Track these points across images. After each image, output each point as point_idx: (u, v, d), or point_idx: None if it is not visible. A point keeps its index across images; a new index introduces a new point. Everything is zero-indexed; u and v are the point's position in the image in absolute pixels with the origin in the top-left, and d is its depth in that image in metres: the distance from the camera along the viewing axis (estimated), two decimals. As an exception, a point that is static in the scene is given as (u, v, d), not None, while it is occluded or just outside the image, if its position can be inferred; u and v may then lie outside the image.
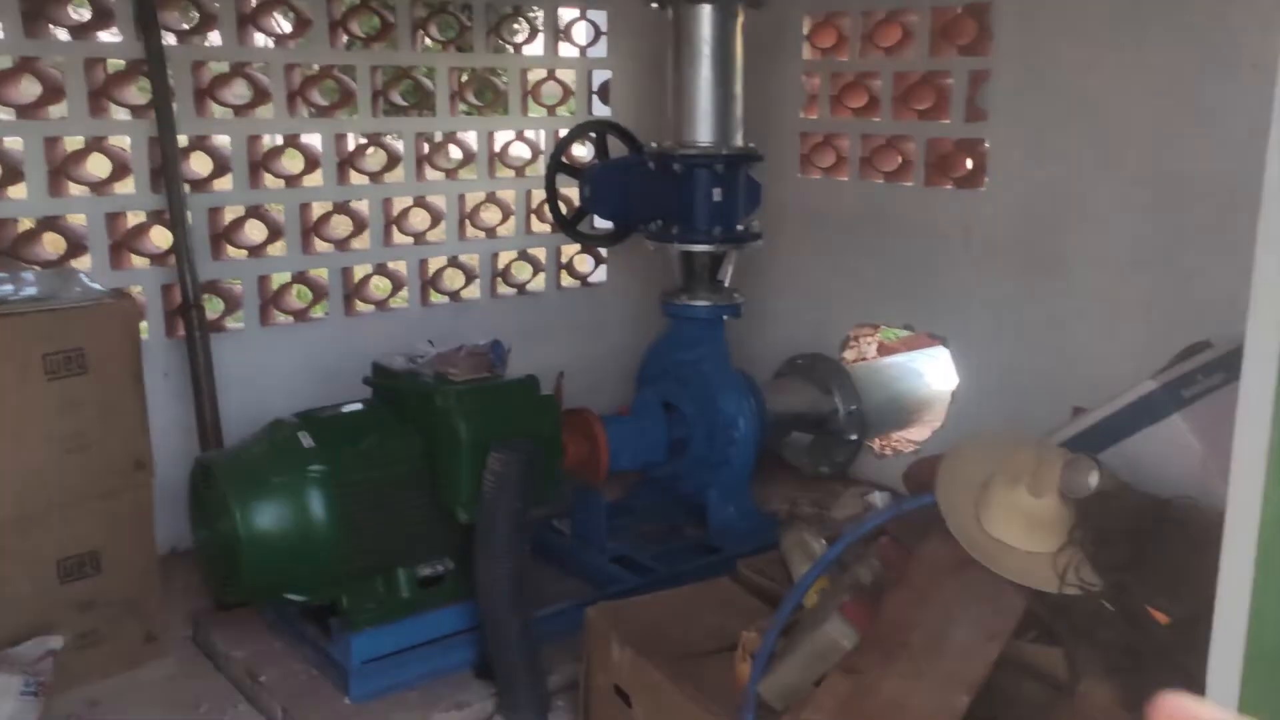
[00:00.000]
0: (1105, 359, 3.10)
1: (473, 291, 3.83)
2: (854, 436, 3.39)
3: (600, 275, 4.12)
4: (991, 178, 3.38)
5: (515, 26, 3.87)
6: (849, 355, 3.90)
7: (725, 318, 3.13)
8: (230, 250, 3.32)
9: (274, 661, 2.56)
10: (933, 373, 3.74)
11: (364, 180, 3.53)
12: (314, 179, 3.43)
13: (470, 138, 3.75)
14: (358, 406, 2.58)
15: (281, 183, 3.36)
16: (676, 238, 3.04)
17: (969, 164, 3.49)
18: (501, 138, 3.86)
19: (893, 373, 3.70)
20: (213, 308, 3.37)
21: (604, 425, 2.92)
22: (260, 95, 3.25)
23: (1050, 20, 3.16)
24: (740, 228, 3.09)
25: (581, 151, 4.01)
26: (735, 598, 2.35)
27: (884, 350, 4.09)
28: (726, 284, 3.17)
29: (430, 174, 3.67)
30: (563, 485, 2.62)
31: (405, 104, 3.62)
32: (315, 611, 2.58)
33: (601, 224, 3.57)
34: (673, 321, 3.19)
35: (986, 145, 3.40)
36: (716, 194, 2.98)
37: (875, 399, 3.50)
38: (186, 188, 3.09)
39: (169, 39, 3.04)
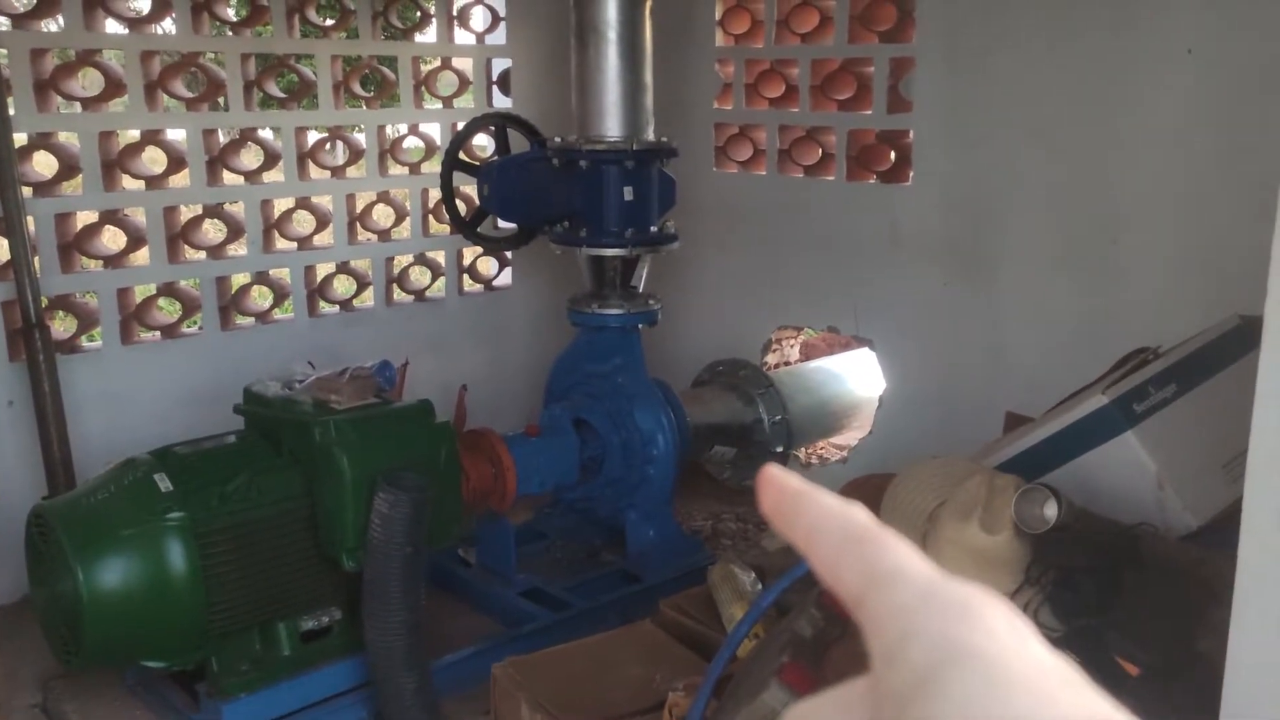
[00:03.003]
0: (1037, 361, 2.97)
1: (366, 300, 3.53)
2: (780, 448, 3.19)
3: (506, 279, 3.84)
4: (917, 171, 3.21)
5: (405, 10, 3.55)
6: (771, 359, 3.70)
7: (640, 326, 2.89)
8: (83, 260, 2.95)
9: (134, 735, 2.25)
10: (858, 376, 3.56)
11: (238, 180, 3.19)
12: (180, 179, 3.09)
13: (358, 132, 3.44)
14: (226, 440, 2.27)
15: (141, 184, 3.01)
16: (585, 241, 2.78)
17: (892, 156, 3.31)
18: (393, 132, 3.55)
19: (818, 378, 3.51)
20: (66, 326, 3.02)
21: (509, 447, 2.65)
22: (113, 87, 2.89)
23: (974, 4, 2.99)
24: (654, 229, 2.85)
25: (484, 143, 3.74)
26: (659, 644, 2.11)
27: (807, 349, 3.90)
28: (640, 289, 2.93)
29: (314, 172, 3.35)
30: (461, 522, 2.35)
31: (283, 95, 3.29)
32: (184, 671, 2.27)
33: (506, 224, 3.30)
34: (582, 331, 2.93)
35: (911, 137, 3.22)
36: (628, 193, 2.73)
37: (801, 406, 3.30)
38: (27, 191, 2.73)
39: (1, 22, 2.67)
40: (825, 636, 1.63)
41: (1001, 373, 3.07)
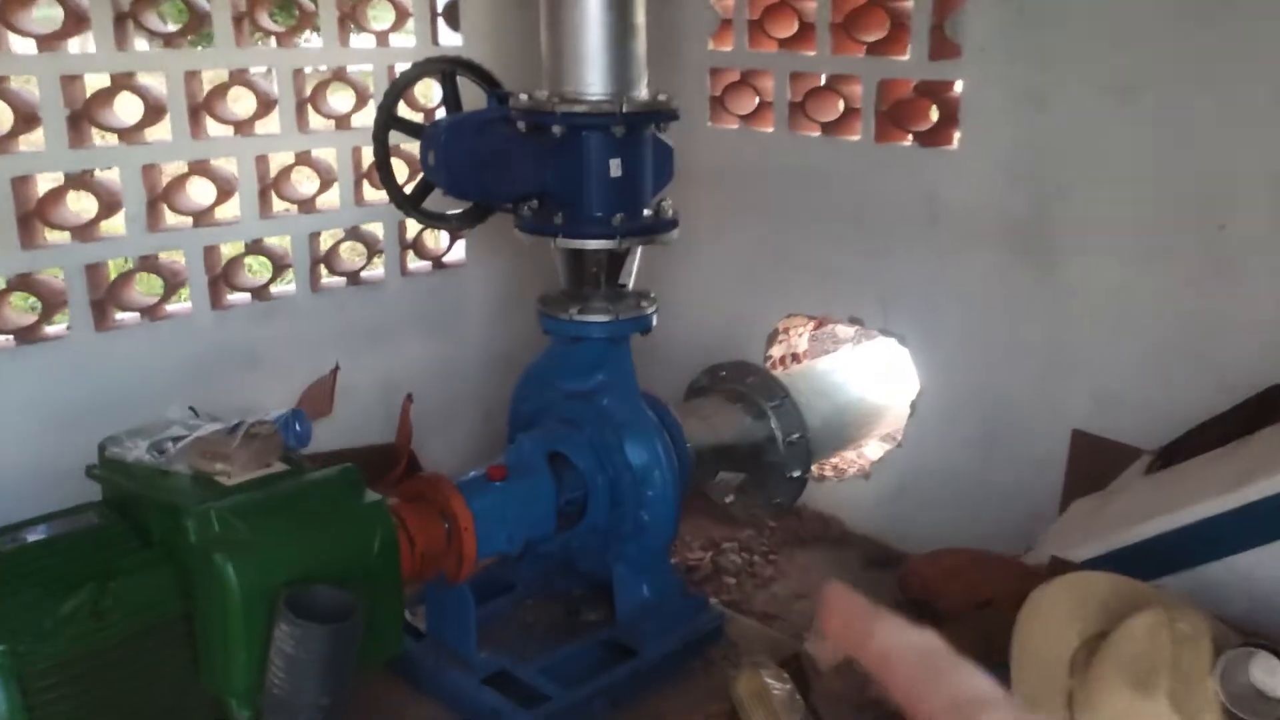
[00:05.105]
0: (1114, 370, 2.46)
1: (286, 286, 2.88)
2: (798, 473, 2.62)
3: (458, 254, 3.20)
4: (965, 133, 2.62)
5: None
6: (775, 352, 3.12)
7: (631, 335, 2.29)
8: (-96, 249, 2.27)
9: None
10: (878, 377, 2.99)
11: (111, 140, 2.51)
12: (34, 139, 2.41)
13: (269, 77, 2.75)
14: (71, 525, 1.64)
15: (-28, 148, 2.32)
16: (561, 230, 2.15)
17: (934, 114, 2.71)
18: (315, 77, 2.87)
19: (833, 380, 2.94)
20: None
21: (467, 499, 2.05)
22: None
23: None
24: (649, 212, 2.23)
25: (428, 91, 3.08)
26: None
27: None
28: (630, 287, 2.32)
29: (213, 127, 2.67)
30: (400, 636, 1.75)
31: (169, 30, 2.60)
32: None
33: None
34: (556, 341, 2.32)
35: (958, 89, 2.62)
36: (615, 167, 2.10)
37: (819, 415, 2.73)
38: None
39: None
40: None
41: (1067, 382, 2.54)
